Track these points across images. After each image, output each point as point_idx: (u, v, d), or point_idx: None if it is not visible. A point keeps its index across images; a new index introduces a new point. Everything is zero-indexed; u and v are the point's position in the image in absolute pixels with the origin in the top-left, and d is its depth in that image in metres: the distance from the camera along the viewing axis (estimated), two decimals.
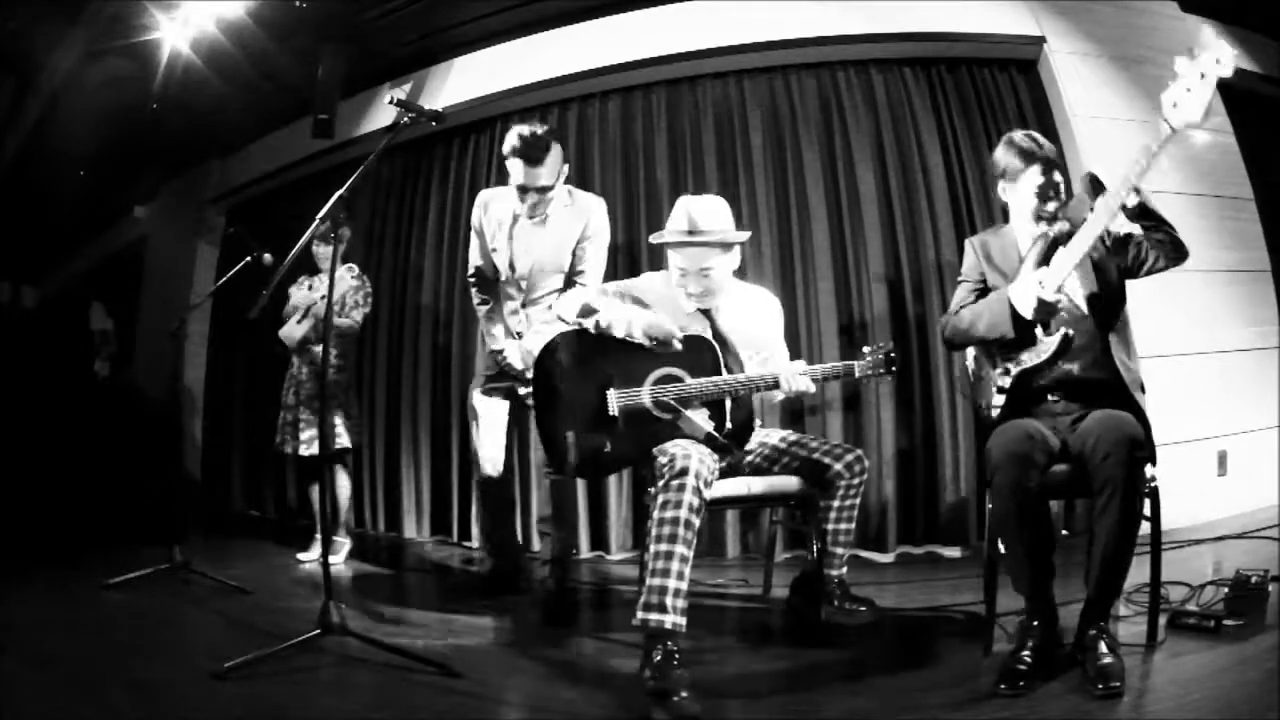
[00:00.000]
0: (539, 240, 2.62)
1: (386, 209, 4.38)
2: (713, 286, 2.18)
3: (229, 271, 3.17)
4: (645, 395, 2.08)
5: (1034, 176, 1.95)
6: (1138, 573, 1.71)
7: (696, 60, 3.63)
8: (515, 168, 2.49)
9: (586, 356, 2.11)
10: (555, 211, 2.62)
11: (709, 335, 2.14)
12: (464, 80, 4.01)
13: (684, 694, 1.62)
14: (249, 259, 3.05)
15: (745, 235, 2.30)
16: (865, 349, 2.05)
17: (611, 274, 3.47)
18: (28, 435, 5.61)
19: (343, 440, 3.31)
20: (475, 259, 2.74)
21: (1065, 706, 1.53)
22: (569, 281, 2.65)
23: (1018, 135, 2.04)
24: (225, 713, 1.66)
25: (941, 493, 3.20)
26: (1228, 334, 3.25)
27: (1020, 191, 1.99)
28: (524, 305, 2.68)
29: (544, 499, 2.79)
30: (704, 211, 2.20)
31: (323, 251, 3.35)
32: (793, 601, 2.39)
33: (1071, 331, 1.83)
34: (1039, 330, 1.86)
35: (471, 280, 2.77)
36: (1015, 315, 1.85)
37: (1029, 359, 1.88)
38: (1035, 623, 1.72)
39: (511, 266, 2.64)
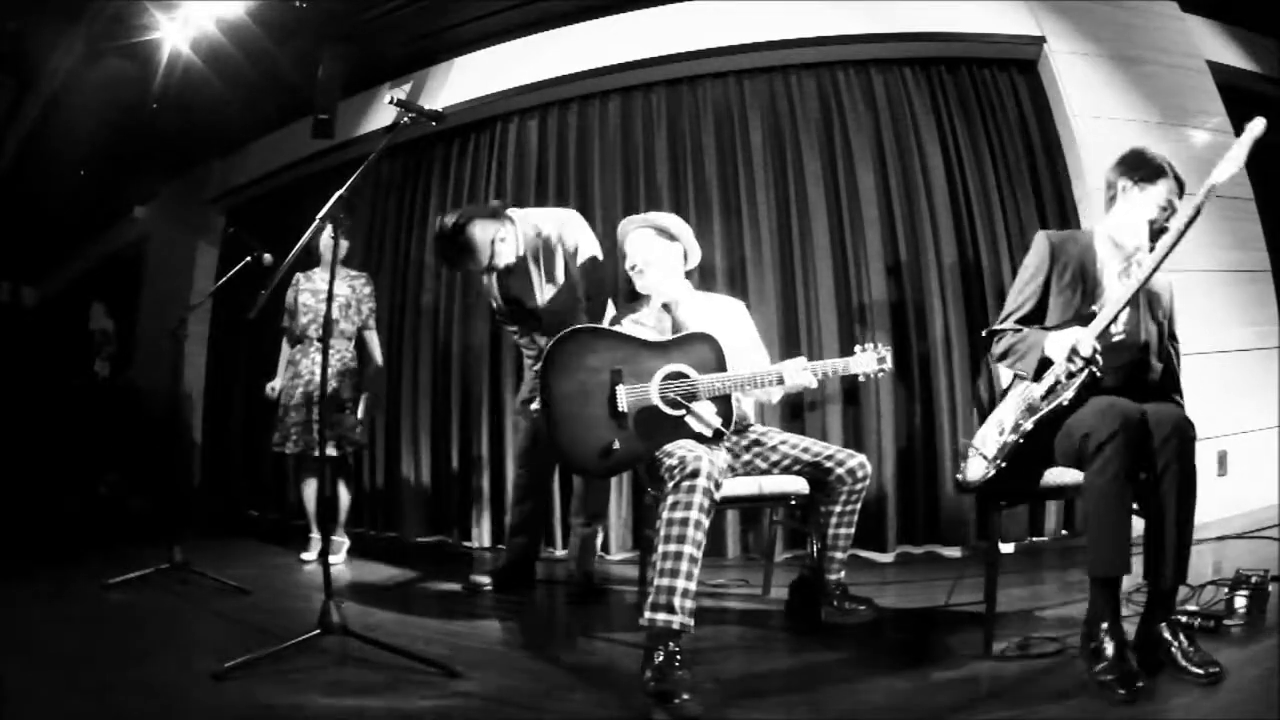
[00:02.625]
0: (532, 282, 2.72)
1: (386, 209, 4.38)
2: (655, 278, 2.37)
3: (229, 271, 3.17)
4: (653, 392, 2.09)
5: (1164, 188, 1.94)
6: (1138, 573, 1.71)
7: (696, 60, 3.64)
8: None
9: (594, 353, 2.11)
10: (527, 249, 2.69)
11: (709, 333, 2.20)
12: (464, 80, 4.01)
13: (685, 696, 1.62)
14: (249, 259, 3.05)
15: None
16: (858, 347, 2.18)
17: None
18: (28, 435, 5.61)
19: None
20: (495, 302, 2.87)
21: (1066, 707, 1.53)
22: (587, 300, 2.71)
23: (1150, 149, 2.02)
24: (225, 713, 1.66)
25: (941, 492, 3.20)
26: (1228, 334, 3.25)
27: (1149, 196, 1.94)
28: (547, 332, 2.71)
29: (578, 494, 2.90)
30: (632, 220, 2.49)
31: (325, 242, 3.37)
32: (792, 602, 2.39)
33: (1100, 373, 1.78)
34: (1063, 375, 1.81)
35: (499, 319, 2.93)
36: (1042, 359, 1.84)
37: (1045, 404, 1.83)
38: (1113, 617, 1.66)
39: (521, 304, 2.76)
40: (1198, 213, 1.69)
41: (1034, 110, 3.50)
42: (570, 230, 2.69)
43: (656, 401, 2.09)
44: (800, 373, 2.14)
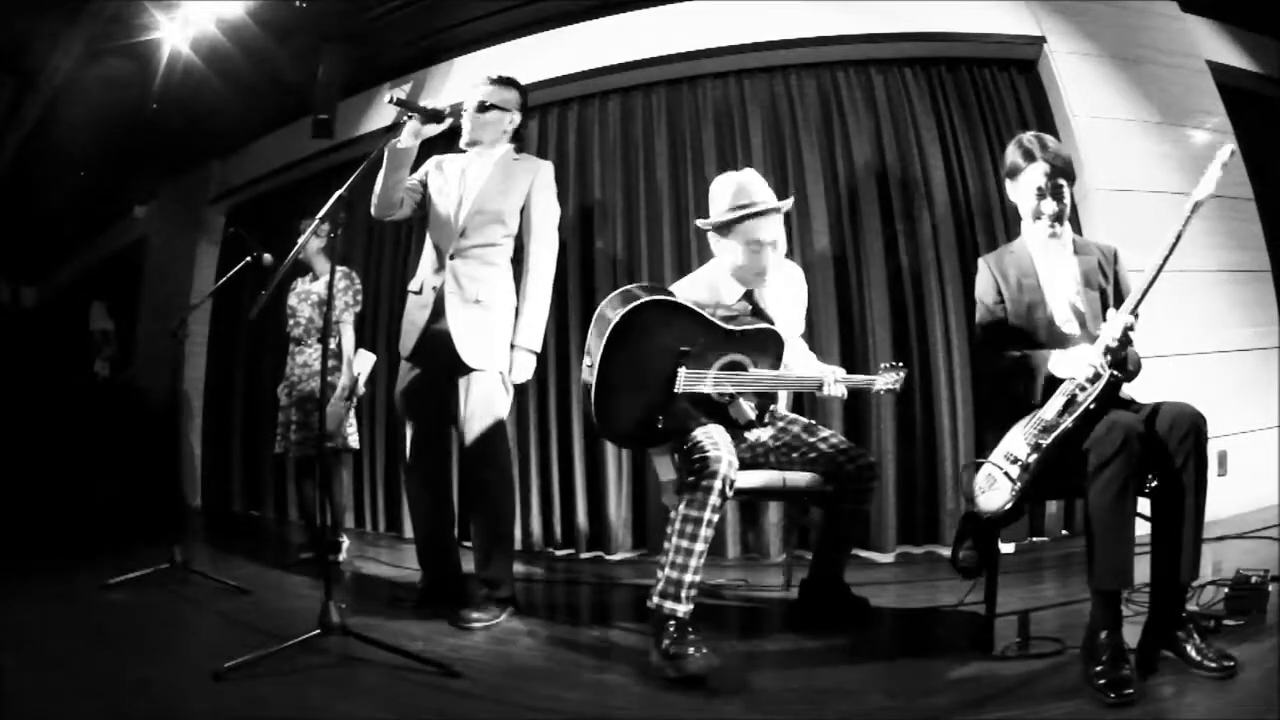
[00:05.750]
0: (484, 182, 2.55)
1: None
2: (777, 259, 2.31)
3: (229, 271, 3.17)
4: (710, 380, 2.13)
5: (1034, 176, 1.98)
6: (1139, 573, 1.71)
7: (696, 60, 3.63)
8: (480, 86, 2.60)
9: (667, 328, 2.10)
10: (504, 162, 2.57)
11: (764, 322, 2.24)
12: (464, 80, 4.01)
13: (703, 651, 1.78)
14: (249, 259, 3.05)
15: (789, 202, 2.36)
16: (883, 365, 2.25)
17: (596, 264, 3.47)
18: (28, 435, 5.61)
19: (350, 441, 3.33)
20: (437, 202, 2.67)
21: (1067, 708, 1.53)
22: (518, 246, 2.57)
23: (1026, 135, 2.06)
24: (225, 713, 1.66)
25: (941, 493, 3.20)
26: (1228, 334, 3.25)
27: (1020, 189, 2.02)
28: (453, 256, 2.52)
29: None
30: (759, 182, 2.29)
31: (311, 245, 3.35)
32: (793, 602, 2.40)
33: (1119, 373, 1.77)
34: (1084, 380, 1.80)
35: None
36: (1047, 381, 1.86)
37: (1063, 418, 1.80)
38: (1113, 625, 1.67)
39: (457, 213, 2.56)
40: (1178, 237, 1.71)
41: (1034, 110, 3.49)
42: (544, 175, 2.58)
43: (709, 389, 2.13)
44: (835, 385, 2.20)
